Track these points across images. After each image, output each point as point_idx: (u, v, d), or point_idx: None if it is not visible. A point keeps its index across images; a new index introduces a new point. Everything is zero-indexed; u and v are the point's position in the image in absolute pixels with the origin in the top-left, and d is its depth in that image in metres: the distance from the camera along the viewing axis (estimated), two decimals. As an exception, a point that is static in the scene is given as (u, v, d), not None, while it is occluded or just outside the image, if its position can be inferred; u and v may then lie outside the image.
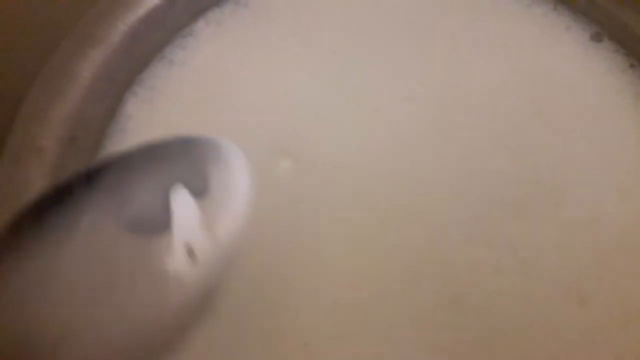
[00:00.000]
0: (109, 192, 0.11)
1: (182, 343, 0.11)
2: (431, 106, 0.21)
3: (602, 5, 0.22)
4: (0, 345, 0.09)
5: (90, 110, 0.20)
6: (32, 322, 0.10)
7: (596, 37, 0.23)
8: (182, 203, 0.11)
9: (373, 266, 0.19)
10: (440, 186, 0.20)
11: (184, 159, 0.12)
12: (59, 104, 0.19)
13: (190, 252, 0.11)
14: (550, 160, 0.21)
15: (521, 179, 0.20)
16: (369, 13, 0.23)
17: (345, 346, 0.18)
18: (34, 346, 0.09)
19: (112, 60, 0.20)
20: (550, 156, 0.21)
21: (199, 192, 0.12)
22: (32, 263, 0.10)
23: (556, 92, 0.22)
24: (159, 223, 0.11)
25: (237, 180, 0.13)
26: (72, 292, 0.10)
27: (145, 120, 0.21)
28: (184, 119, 0.21)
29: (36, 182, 0.18)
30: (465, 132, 0.21)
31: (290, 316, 0.18)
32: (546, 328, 0.18)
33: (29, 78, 0.20)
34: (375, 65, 0.22)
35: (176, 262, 0.11)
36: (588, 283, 0.19)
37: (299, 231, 0.19)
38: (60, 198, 0.10)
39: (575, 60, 0.23)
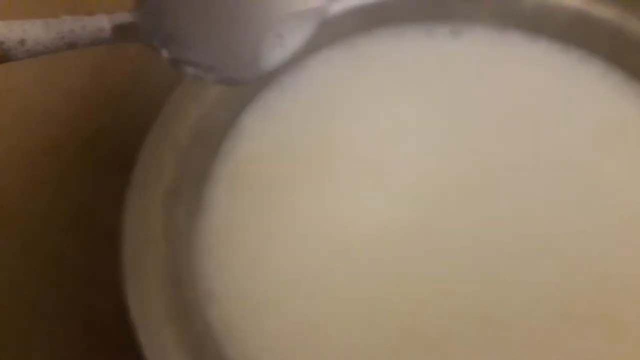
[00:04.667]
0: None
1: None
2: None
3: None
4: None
5: (216, 114, 0.23)
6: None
7: None
8: None
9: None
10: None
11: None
12: (193, 106, 0.23)
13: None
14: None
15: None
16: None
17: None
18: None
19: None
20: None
21: None
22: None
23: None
24: None
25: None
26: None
27: (256, 130, 0.25)
28: (291, 135, 0.25)
29: (169, 164, 0.22)
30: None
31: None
32: None
33: (172, 85, 0.24)
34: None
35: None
36: None
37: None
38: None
39: None
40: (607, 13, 0.25)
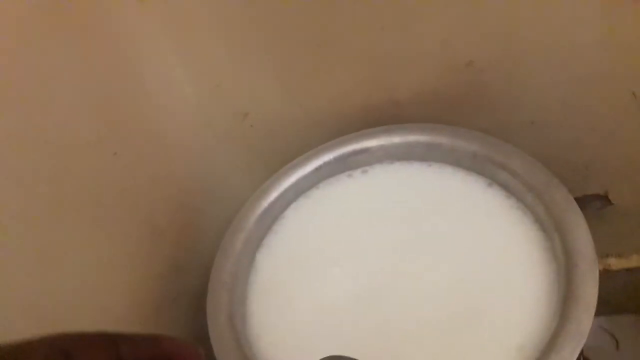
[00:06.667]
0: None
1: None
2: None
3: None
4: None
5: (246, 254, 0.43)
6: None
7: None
8: None
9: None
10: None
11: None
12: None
13: None
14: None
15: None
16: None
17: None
18: None
19: (252, 233, 0.44)
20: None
21: None
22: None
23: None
24: None
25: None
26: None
27: (265, 258, 0.43)
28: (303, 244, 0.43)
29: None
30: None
31: None
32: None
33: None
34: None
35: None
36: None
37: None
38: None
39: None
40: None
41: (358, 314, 0.39)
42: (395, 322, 0.38)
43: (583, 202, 0.63)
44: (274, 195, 0.46)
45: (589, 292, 0.34)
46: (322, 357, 0.30)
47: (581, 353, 0.45)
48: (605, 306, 0.74)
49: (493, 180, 0.43)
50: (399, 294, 0.39)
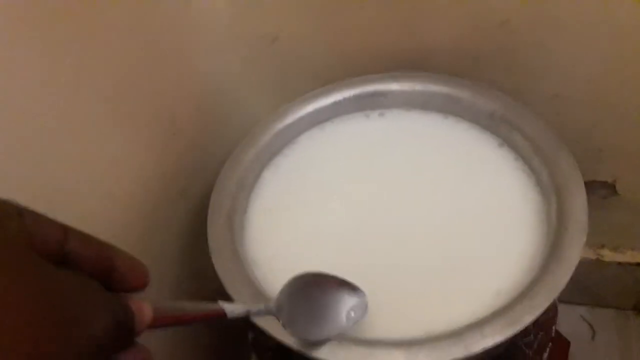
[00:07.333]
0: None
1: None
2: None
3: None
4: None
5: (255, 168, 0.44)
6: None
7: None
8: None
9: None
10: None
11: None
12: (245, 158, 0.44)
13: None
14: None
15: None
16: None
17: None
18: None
19: (263, 150, 0.45)
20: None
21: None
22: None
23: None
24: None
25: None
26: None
27: (271, 175, 0.45)
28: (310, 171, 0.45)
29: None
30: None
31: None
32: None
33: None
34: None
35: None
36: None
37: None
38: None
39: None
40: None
41: (351, 244, 0.41)
42: (385, 255, 0.40)
43: (589, 187, 0.64)
44: (289, 119, 0.47)
45: (572, 254, 0.35)
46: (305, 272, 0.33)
47: (554, 319, 0.47)
48: (590, 296, 0.76)
49: (505, 141, 0.44)
50: (394, 231, 0.41)
